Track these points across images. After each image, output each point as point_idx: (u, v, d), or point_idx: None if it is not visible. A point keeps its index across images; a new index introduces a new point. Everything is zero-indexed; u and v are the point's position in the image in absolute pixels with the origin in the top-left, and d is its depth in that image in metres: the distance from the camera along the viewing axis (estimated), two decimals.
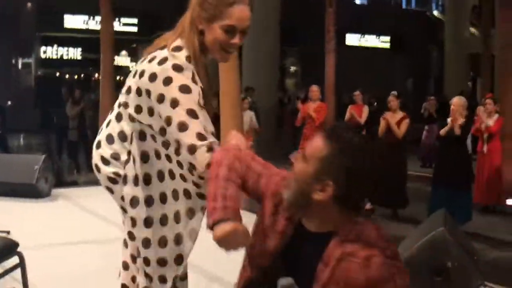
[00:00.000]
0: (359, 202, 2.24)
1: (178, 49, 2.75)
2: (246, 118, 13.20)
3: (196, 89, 2.67)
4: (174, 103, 2.60)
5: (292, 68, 27.22)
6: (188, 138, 2.56)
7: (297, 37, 24.08)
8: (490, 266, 7.54)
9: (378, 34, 28.03)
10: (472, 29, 27.95)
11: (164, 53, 2.73)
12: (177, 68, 2.66)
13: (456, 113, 9.28)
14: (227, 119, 8.55)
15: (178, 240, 2.84)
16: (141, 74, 2.73)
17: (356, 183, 2.09)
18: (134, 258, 2.93)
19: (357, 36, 27.83)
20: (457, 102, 9.52)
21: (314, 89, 11.72)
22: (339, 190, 2.09)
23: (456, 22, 26.67)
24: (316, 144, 2.15)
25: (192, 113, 2.60)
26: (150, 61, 2.73)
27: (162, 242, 2.83)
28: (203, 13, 2.73)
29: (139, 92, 2.74)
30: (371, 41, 28.23)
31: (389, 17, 27.92)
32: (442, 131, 9.43)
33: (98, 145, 2.91)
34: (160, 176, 2.82)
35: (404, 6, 31.10)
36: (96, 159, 2.90)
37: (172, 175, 2.82)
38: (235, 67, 8.43)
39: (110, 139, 2.87)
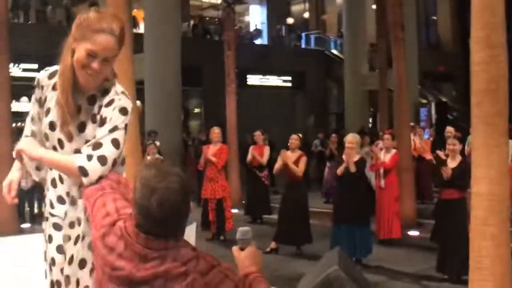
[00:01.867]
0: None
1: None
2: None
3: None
4: None
5: (196, 109, 27.25)
6: None
7: (201, 77, 24.21)
8: None
9: (280, 73, 28.46)
10: (369, 66, 28.80)
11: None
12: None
13: (351, 150, 9.52)
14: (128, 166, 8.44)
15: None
16: None
17: (147, 215, 2.28)
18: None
19: (259, 76, 28.15)
20: (351, 139, 9.77)
21: (216, 131, 11.77)
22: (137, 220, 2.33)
23: (354, 59, 27.43)
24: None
25: None
26: None
27: None
28: (76, 33, 2.95)
29: None
30: (273, 80, 28.61)
31: (289, 56, 28.42)
32: (339, 171, 9.64)
33: None
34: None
35: (303, 45, 31.72)
36: None
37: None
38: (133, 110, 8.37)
39: None
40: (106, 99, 3.07)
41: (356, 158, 9.57)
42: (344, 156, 9.62)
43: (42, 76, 3.19)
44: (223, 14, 18.34)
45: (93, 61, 2.92)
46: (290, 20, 33.06)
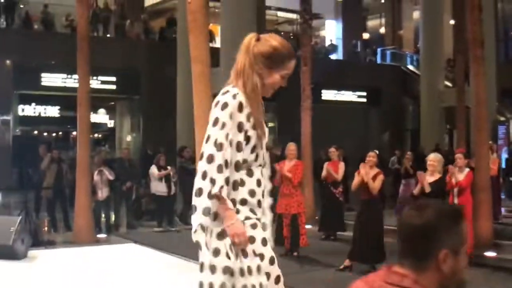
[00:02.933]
0: None
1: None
2: None
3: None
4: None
5: (270, 124, 27.36)
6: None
7: (275, 92, 24.26)
8: None
9: (354, 89, 28.35)
10: (447, 82, 28.40)
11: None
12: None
13: (431, 168, 9.44)
14: None
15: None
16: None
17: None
18: None
19: (333, 91, 28.09)
20: (433, 158, 9.68)
21: (291, 147, 11.80)
22: None
23: (430, 75, 27.10)
24: None
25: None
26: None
27: None
28: (267, 63, 3.59)
29: None
30: (347, 95, 28.52)
31: (364, 72, 28.30)
32: (416, 191, 9.54)
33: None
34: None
35: (379, 61, 31.54)
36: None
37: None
38: None
39: None
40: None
41: (436, 177, 9.48)
42: (421, 176, 9.52)
43: (241, 99, 3.55)
44: (300, 30, 18.40)
45: (284, 81, 3.68)
46: (365, 35, 32.95)
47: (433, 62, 27.14)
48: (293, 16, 31.01)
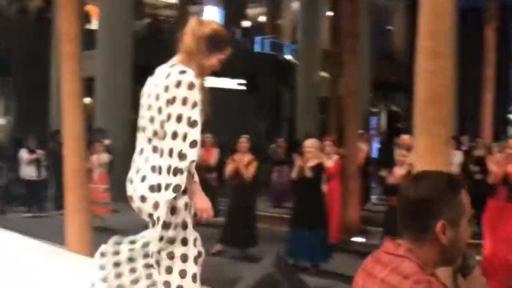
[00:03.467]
0: None
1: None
2: (98, 161, 13.13)
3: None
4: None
5: None
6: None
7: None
8: None
9: (233, 76, 28.41)
10: (323, 73, 28.97)
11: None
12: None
13: (310, 155, 9.57)
14: (70, 164, 8.29)
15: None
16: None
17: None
18: None
19: (212, 78, 27.99)
20: (310, 144, 9.81)
21: None
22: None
23: (307, 65, 27.53)
24: None
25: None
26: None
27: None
28: (210, 45, 3.76)
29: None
30: (226, 83, 28.54)
31: (243, 60, 28.41)
32: (294, 175, 9.66)
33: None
34: None
35: (258, 49, 31.73)
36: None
37: None
38: (77, 106, 8.19)
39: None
40: None
41: (314, 162, 9.63)
42: (299, 161, 9.63)
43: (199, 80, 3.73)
44: (179, 15, 18.24)
45: (218, 66, 3.89)
46: (245, 23, 33.07)
47: (310, 52, 27.57)
48: (173, 0, 30.73)
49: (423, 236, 2.09)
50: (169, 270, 3.66)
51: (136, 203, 3.80)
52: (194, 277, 3.68)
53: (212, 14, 32.94)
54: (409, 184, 2.17)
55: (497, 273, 7.40)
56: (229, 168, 10.63)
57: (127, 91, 19.44)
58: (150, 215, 3.70)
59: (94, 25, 22.73)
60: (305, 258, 9.59)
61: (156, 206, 3.63)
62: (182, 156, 3.54)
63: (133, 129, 15.36)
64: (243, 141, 10.90)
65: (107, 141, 15.07)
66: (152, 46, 23.49)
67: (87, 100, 23.18)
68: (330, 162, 11.01)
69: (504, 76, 32.48)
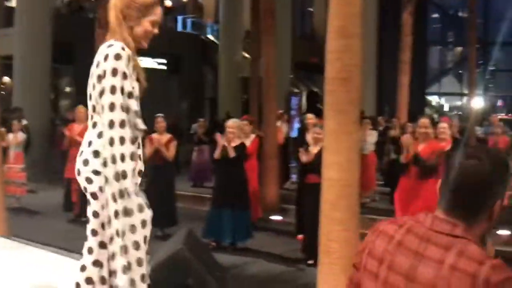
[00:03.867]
0: None
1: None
2: (15, 140, 12.87)
3: None
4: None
5: (67, 88, 26.47)
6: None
7: (73, 55, 23.51)
8: (249, 279, 7.89)
9: (154, 56, 28.16)
10: (245, 53, 29.03)
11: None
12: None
13: (231, 135, 9.62)
14: None
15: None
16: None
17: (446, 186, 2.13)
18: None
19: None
20: (232, 124, 9.84)
21: (81, 110, 11.46)
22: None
23: (229, 45, 27.53)
24: None
25: None
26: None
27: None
28: (133, 13, 3.73)
29: None
30: (147, 62, 28.26)
31: (165, 39, 28.16)
32: (216, 155, 9.67)
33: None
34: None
35: (180, 29, 31.52)
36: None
37: None
38: None
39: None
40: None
41: (237, 142, 9.67)
42: (222, 140, 9.64)
43: (128, 51, 3.71)
44: None
45: (155, 28, 3.84)
46: (168, 2, 32.76)
47: (232, 32, 27.57)
48: None
49: (478, 215, 2.05)
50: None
51: (82, 184, 3.85)
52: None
53: None
54: (469, 162, 2.07)
55: None
56: (149, 149, 10.56)
57: (46, 70, 19.04)
58: (93, 195, 3.75)
59: (12, 2, 22.15)
60: (227, 237, 9.64)
61: (101, 189, 3.70)
62: (123, 125, 3.61)
63: (52, 108, 15.18)
64: (160, 121, 10.86)
65: (24, 121, 14.74)
66: (73, 24, 23.08)
67: (6, 79, 22.65)
68: (247, 142, 11.09)
69: (421, 59, 33.37)
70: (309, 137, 9.64)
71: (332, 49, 5.41)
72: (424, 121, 7.97)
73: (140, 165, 3.81)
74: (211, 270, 5.27)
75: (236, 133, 9.74)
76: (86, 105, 11.03)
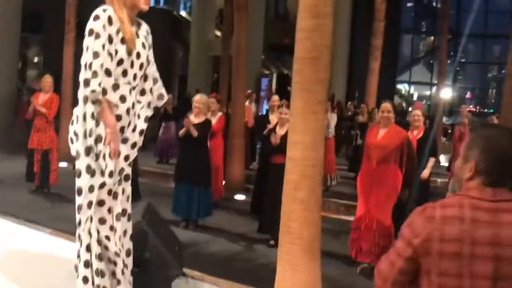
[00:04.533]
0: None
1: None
2: None
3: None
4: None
5: (36, 58, 26.13)
6: None
7: (42, 24, 23.17)
8: (209, 257, 7.88)
9: None
10: (217, 32, 28.87)
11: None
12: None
13: (197, 110, 9.56)
14: None
15: None
16: None
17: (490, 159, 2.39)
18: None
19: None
20: (199, 99, 9.75)
21: (47, 79, 11.29)
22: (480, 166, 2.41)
23: (202, 23, 27.36)
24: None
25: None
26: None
27: None
28: None
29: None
30: None
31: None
32: (181, 133, 9.59)
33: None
34: None
35: (152, 3, 31.21)
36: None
37: None
38: None
39: None
40: (146, 27, 4.62)
41: (202, 119, 9.60)
42: (189, 122, 9.56)
43: (110, 13, 4.00)
44: None
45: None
46: None
47: (205, 10, 27.41)
48: None
49: None
50: None
51: (72, 152, 4.20)
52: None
53: None
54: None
55: (369, 233, 7.65)
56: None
57: (14, 39, 18.70)
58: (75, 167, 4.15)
59: None
60: (188, 213, 9.61)
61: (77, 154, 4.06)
62: (86, 83, 3.87)
63: (20, 77, 14.92)
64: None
65: None
66: None
67: None
68: (214, 120, 11.02)
69: (393, 46, 33.45)
70: (273, 118, 9.60)
71: (303, 28, 5.35)
72: (386, 105, 7.93)
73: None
74: (169, 246, 5.22)
75: (202, 109, 9.66)
76: (53, 75, 10.90)
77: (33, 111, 11.20)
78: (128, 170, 4.36)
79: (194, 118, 9.61)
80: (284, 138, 8.30)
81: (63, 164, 12.55)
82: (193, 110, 9.69)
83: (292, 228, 5.42)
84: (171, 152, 16.28)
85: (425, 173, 9.42)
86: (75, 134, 4.04)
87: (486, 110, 34.75)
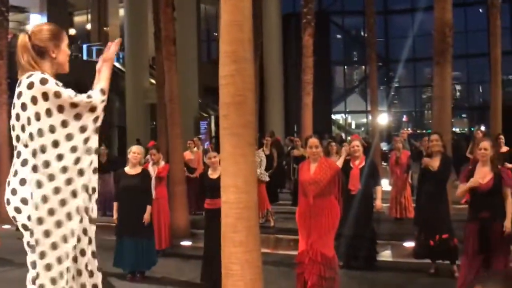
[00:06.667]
0: None
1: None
2: None
3: None
4: None
5: None
6: None
7: None
8: None
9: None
10: (152, 80, 28.95)
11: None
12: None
13: (134, 161, 9.57)
14: None
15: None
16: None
17: None
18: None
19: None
20: (136, 150, 9.77)
21: None
22: None
23: (135, 73, 27.43)
24: None
25: None
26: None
27: None
28: (50, 43, 3.92)
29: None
30: None
31: (71, 68, 27.77)
32: (122, 183, 9.58)
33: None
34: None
35: (85, 57, 31.24)
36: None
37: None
38: None
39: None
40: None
41: (138, 170, 9.59)
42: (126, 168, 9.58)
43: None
44: None
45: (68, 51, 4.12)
46: (72, 31, 32.43)
47: (138, 59, 27.52)
48: None
49: None
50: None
51: (11, 214, 3.84)
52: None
53: (37, 22, 31.98)
54: None
55: (315, 266, 7.72)
56: None
57: None
58: (24, 226, 3.75)
59: None
60: (131, 266, 9.55)
61: (29, 218, 3.71)
62: (94, 107, 4.11)
63: None
64: None
65: None
66: None
67: None
68: (158, 168, 11.05)
69: (326, 79, 34.05)
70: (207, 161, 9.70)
71: (225, 74, 5.49)
72: (313, 140, 7.96)
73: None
74: None
75: (138, 160, 9.68)
76: None
77: None
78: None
79: (130, 169, 9.62)
80: (217, 181, 8.39)
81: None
82: (129, 162, 9.70)
83: (232, 271, 5.49)
84: (111, 204, 16.13)
85: (378, 204, 9.73)
86: (24, 201, 3.85)
87: (424, 131, 35.41)
